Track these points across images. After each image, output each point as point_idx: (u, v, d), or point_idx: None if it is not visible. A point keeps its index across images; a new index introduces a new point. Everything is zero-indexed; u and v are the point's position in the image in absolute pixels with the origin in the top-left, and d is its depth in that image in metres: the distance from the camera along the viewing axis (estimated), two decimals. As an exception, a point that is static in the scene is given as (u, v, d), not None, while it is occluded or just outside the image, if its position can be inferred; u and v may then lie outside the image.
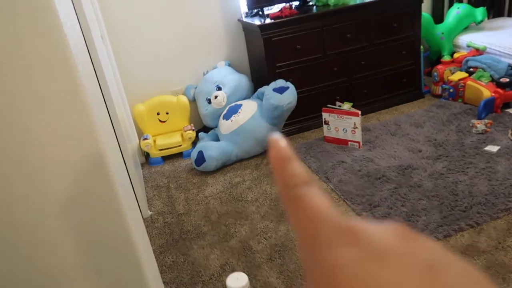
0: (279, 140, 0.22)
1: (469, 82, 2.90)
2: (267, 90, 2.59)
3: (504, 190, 1.98)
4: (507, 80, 2.79)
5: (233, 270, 1.77)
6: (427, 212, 1.91)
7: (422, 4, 3.04)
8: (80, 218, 1.02)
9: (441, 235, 1.77)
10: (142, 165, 2.89)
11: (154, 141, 2.90)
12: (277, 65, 2.82)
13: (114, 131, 2.05)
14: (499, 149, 2.33)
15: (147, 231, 2.12)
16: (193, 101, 3.04)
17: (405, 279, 0.16)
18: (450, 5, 3.50)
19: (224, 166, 2.65)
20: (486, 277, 0.17)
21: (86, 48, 1.62)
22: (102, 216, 1.03)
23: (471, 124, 2.64)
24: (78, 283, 1.07)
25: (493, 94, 2.74)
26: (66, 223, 1.00)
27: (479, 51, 3.13)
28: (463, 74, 2.99)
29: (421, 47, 3.15)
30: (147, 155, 2.92)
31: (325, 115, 2.69)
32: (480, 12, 3.26)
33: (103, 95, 1.96)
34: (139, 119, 2.91)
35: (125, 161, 2.08)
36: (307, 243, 0.19)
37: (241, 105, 2.75)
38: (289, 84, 2.58)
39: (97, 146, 0.97)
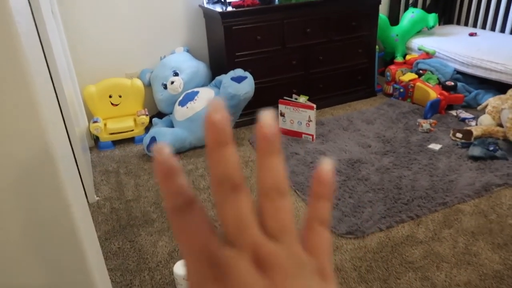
0: (164, 149, 0.21)
1: (418, 84, 3.04)
2: (225, 78, 2.57)
3: (443, 185, 2.11)
4: (452, 83, 2.96)
5: (181, 258, 1.75)
6: (372, 204, 2.00)
7: (380, 6, 3.14)
8: (19, 202, 0.96)
9: (384, 226, 1.86)
10: (91, 148, 2.77)
11: (105, 124, 2.79)
12: (237, 54, 2.80)
13: (61, 112, 1.94)
14: (441, 148, 2.48)
15: (92, 216, 2.04)
16: (148, 86, 2.95)
17: None
18: (406, 8, 3.65)
19: (178, 153, 2.61)
20: None
21: (33, 18, 1.51)
22: (43, 200, 0.98)
23: (417, 123, 2.78)
24: (17, 270, 1.01)
25: (439, 96, 2.90)
26: (4, 207, 0.94)
27: (429, 55, 3.29)
28: (413, 76, 3.14)
29: (377, 47, 3.26)
30: (96, 139, 2.80)
31: (281, 107, 2.71)
32: (432, 18, 3.43)
33: (49, 71, 1.85)
34: (89, 101, 2.78)
35: (72, 144, 1.99)
36: (192, 276, 0.21)
37: (197, 92, 2.71)
38: (247, 74, 2.58)
39: (39, 126, 0.91)
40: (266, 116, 0.22)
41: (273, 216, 0.21)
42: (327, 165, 0.23)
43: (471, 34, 3.45)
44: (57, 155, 0.96)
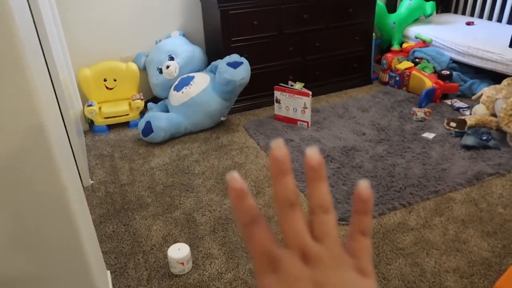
0: (235, 176, 0.26)
1: (413, 72, 3.05)
2: (221, 64, 2.56)
3: (435, 174, 2.13)
4: (448, 72, 2.97)
5: (175, 241, 1.77)
6: (366, 192, 2.02)
7: (377, -8, 3.12)
8: (14, 185, 0.96)
9: (376, 213, 1.88)
10: (86, 132, 2.76)
11: (100, 108, 2.77)
12: (233, 39, 2.78)
13: (56, 95, 1.93)
14: (435, 136, 2.50)
15: (87, 200, 2.05)
16: (143, 70, 2.93)
17: None
18: (403, -4, 3.62)
19: (172, 138, 2.61)
20: None
21: (27, 1, 1.49)
22: (38, 183, 0.98)
23: (412, 112, 2.79)
24: (11, 254, 1.02)
25: (434, 84, 2.91)
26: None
27: (425, 43, 3.28)
28: (409, 64, 3.14)
29: (374, 34, 3.25)
30: (91, 123, 2.79)
31: (277, 94, 2.71)
32: (430, 6, 3.41)
33: (44, 54, 1.83)
34: (84, 84, 2.76)
35: (67, 127, 1.98)
36: (258, 270, 0.26)
37: (193, 77, 2.69)
38: (243, 59, 2.56)
39: (34, 108, 0.90)
40: (312, 150, 0.27)
41: (318, 226, 0.27)
42: (365, 184, 0.28)
43: (468, 23, 3.44)
44: (52, 137, 0.96)
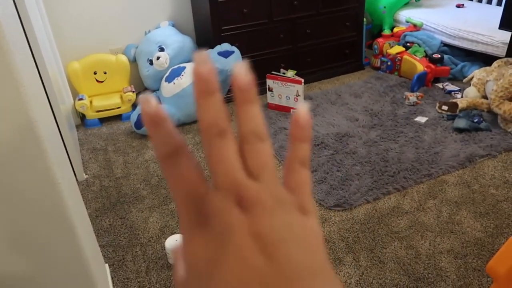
0: (150, 99, 0.21)
1: (405, 56, 3.05)
2: (212, 53, 2.54)
3: (428, 157, 2.15)
4: (439, 56, 2.97)
5: (172, 233, 1.78)
6: (360, 177, 2.04)
7: (367, -24, 3.09)
8: (5, 182, 0.95)
9: (371, 197, 1.90)
10: (78, 126, 2.74)
11: (91, 102, 2.74)
12: (223, 28, 2.76)
13: (45, 90, 1.90)
14: (427, 120, 2.51)
15: (82, 194, 2.05)
16: (133, 62, 2.90)
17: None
18: (393, -21, 3.60)
19: (166, 130, 2.59)
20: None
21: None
22: (30, 179, 0.97)
23: (404, 96, 2.80)
24: (5, 253, 1.01)
25: (425, 68, 2.91)
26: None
27: (416, 27, 3.28)
28: (400, 48, 3.13)
29: (364, 19, 3.23)
30: (83, 117, 2.77)
31: (269, 82, 2.70)
32: (419, -12, 3.40)
33: (31, 49, 1.80)
34: (73, 78, 2.73)
35: (58, 122, 1.96)
36: (184, 224, 0.22)
37: (184, 67, 2.67)
38: (234, 48, 2.55)
39: (22, 103, 0.89)
40: (240, 68, 0.23)
41: (253, 157, 0.22)
42: (303, 109, 0.24)
43: (458, 6, 3.44)
44: (43, 134, 0.95)
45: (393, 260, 1.59)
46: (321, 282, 0.19)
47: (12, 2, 1.46)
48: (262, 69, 2.88)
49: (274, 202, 0.21)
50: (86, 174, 2.21)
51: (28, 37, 1.79)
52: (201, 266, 0.20)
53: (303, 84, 2.60)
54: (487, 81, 2.56)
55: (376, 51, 3.32)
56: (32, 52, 1.79)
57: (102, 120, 2.76)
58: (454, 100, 2.61)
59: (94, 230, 1.77)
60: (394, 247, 1.65)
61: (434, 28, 3.19)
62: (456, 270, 1.54)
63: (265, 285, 0.18)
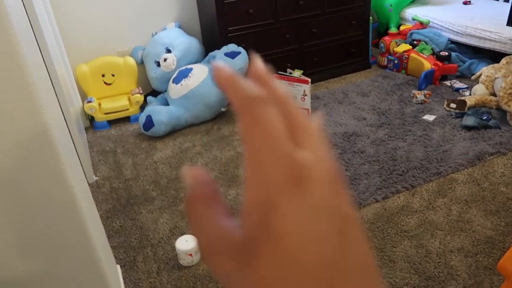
0: (225, 67, 0.21)
1: (412, 54, 3.03)
2: (219, 54, 2.55)
3: (437, 156, 2.14)
4: (446, 53, 2.95)
5: (182, 234, 1.79)
6: (368, 176, 2.03)
7: (373, -25, 3.08)
8: (20, 186, 0.96)
9: (380, 197, 1.90)
10: (87, 129, 2.76)
11: (99, 104, 2.77)
12: (229, 29, 2.76)
13: (55, 93, 1.93)
14: (435, 118, 2.50)
15: (92, 196, 2.06)
16: (141, 64, 2.92)
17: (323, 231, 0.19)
18: (399, -23, 3.58)
19: (174, 131, 2.61)
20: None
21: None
22: (44, 182, 0.99)
23: (411, 95, 2.79)
24: (21, 254, 1.03)
25: (433, 66, 2.90)
26: (5, 191, 0.95)
27: (423, 25, 3.26)
28: (407, 47, 3.12)
29: (370, 18, 3.23)
30: (91, 119, 2.79)
31: (276, 82, 2.70)
32: (426, -14, 3.38)
33: (41, 52, 1.82)
34: (82, 80, 2.75)
35: (68, 124, 1.98)
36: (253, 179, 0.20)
37: (191, 69, 2.68)
38: (241, 49, 2.55)
39: (35, 107, 0.91)
40: (257, 60, 0.23)
41: (293, 123, 0.21)
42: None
43: (465, 3, 3.41)
44: (55, 136, 0.96)
45: (404, 259, 1.59)
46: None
47: (23, 6, 1.48)
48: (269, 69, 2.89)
49: (327, 172, 0.20)
50: (96, 176, 2.23)
51: (38, 40, 1.81)
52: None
53: (310, 83, 2.60)
54: (495, 78, 2.54)
55: (383, 49, 3.31)
56: (42, 55, 1.82)
57: (111, 122, 2.78)
58: (462, 98, 2.59)
59: (105, 231, 1.79)
60: (404, 246, 1.65)
61: (441, 26, 3.17)
62: (467, 268, 1.53)
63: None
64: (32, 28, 1.75)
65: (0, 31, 0.82)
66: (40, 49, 1.82)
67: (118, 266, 1.62)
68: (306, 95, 2.63)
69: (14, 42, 0.85)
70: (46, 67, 1.88)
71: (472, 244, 1.63)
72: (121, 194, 2.08)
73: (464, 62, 3.04)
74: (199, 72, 2.64)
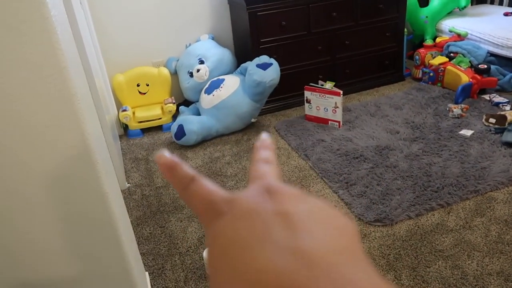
0: (162, 154, 0.27)
1: (448, 67, 2.95)
2: (251, 65, 2.57)
3: (475, 172, 2.06)
4: (485, 66, 2.85)
5: (210, 243, 1.79)
6: (401, 192, 1.98)
7: (408, -14, 3.04)
8: (60, 194, 1.00)
9: (413, 213, 1.84)
10: (120, 137, 2.84)
11: (133, 113, 2.85)
12: (262, 40, 2.79)
13: (94, 103, 2.00)
14: (473, 134, 2.41)
15: (124, 203, 2.11)
16: (174, 74, 2.99)
17: (257, 228, 0.21)
18: (436, -12, 3.51)
19: (204, 141, 2.64)
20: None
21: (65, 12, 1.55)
22: (82, 190, 1.02)
23: (448, 108, 2.70)
24: (56, 260, 1.06)
25: (471, 79, 2.80)
26: (45, 199, 0.99)
27: (460, 37, 3.17)
28: (444, 59, 3.04)
29: (405, 30, 3.17)
30: (125, 127, 2.87)
31: (307, 94, 2.69)
32: (464, -3, 3.29)
33: (82, 63, 1.89)
34: (118, 90, 2.85)
35: (104, 133, 2.04)
36: (205, 222, 0.25)
37: (223, 79, 2.72)
38: (272, 60, 2.57)
39: (76, 117, 0.94)
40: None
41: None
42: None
43: (506, 14, 3.29)
44: (94, 145, 0.99)
45: (438, 280, 1.53)
46: (346, 259, 0.20)
47: (67, 19, 1.55)
48: (300, 81, 2.89)
49: (295, 193, 0.24)
50: (128, 183, 2.28)
51: (79, 50, 1.89)
52: (228, 245, 0.21)
53: (341, 95, 2.57)
54: (539, 92, 2.42)
55: (418, 61, 3.23)
56: (83, 67, 1.89)
57: (144, 131, 2.85)
58: (502, 113, 2.48)
59: (135, 238, 1.82)
60: (439, 267, 1.58)
61: (480, 38, 3.07)
62: (507, 293, 1.45)
63: (292, 256, 0.19)
64: (75, 40, 1.83)
65: (46, 43, 0.86)
66: (81, 61, 1.90)
67: (147, 273, 1.64)
68: (337, 107, 2.60)
69: (59, 53, 0.88)
70: (86, 78, 1.95)
71: (512, 267, 1.54)
72: (151, 202, 2.12)
73: (504, 76, 2.92)
74: (231, 83, 2.67)
